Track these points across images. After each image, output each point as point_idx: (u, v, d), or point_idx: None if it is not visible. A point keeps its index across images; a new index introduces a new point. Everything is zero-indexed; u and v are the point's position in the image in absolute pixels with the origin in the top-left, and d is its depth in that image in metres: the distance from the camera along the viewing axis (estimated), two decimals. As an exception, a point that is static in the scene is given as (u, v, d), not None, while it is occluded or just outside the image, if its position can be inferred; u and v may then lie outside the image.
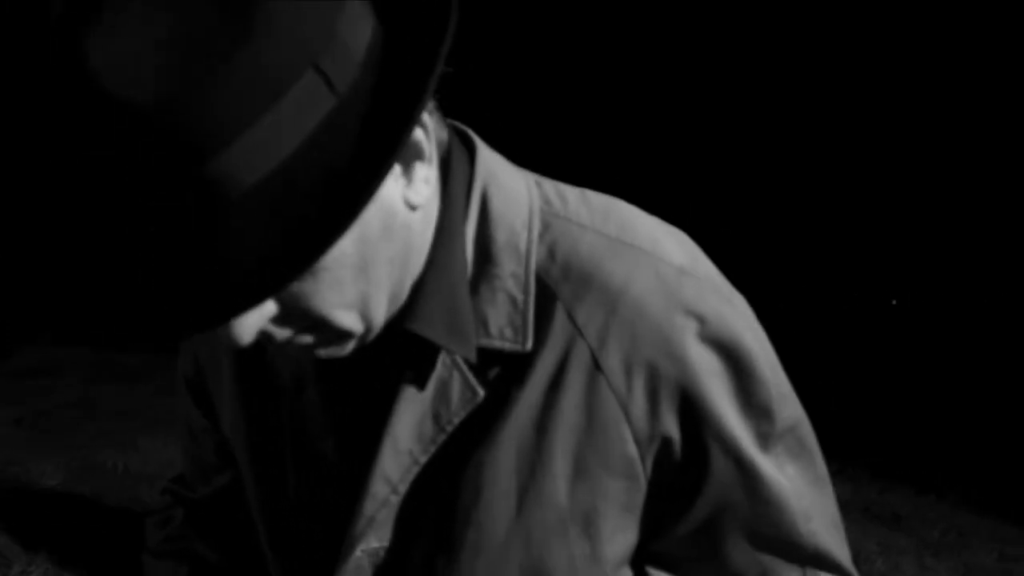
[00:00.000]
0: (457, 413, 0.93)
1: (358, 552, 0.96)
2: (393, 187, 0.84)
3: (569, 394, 0.92)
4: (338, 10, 0.76)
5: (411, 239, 0.88)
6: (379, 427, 0.94)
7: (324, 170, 0.74)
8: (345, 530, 0.98)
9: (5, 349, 5.26)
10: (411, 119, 0.74)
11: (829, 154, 6.41)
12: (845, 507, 4.17)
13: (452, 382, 0.92)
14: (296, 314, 0.82)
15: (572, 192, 0.99)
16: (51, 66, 0.70)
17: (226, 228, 0.73)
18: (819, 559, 1.01)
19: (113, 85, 0.69)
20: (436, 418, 0.93)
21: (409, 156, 0.85)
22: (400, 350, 0.93)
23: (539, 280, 0.93)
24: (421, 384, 0.93)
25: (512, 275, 0.92)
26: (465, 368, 0.93)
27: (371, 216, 0.81)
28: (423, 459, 0.94)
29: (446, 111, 0.94)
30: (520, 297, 0.92)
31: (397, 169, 0.84)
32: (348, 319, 0.84)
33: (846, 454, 4.61)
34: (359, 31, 0.77)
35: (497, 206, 0.94)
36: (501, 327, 0.92)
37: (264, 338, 0.83)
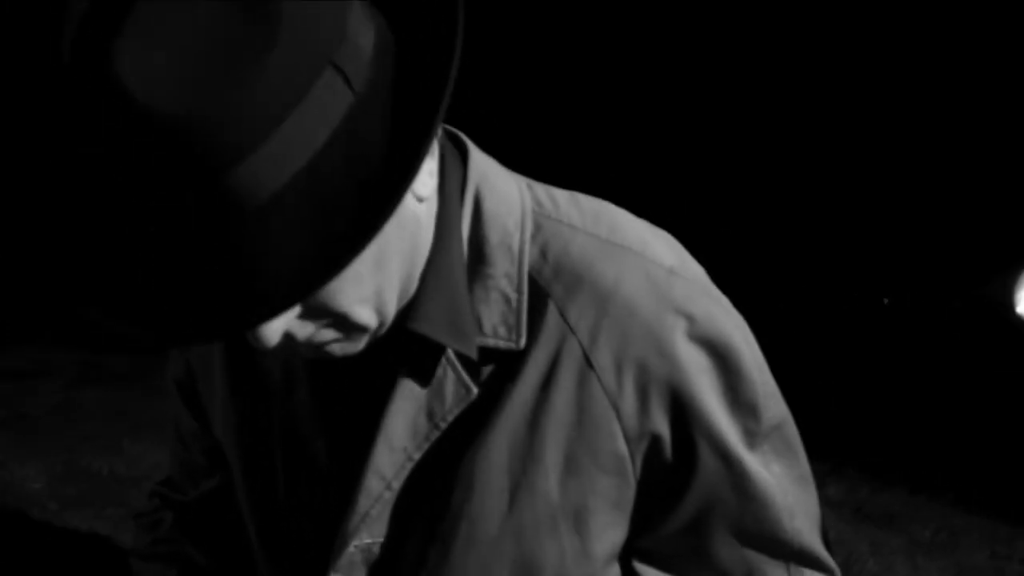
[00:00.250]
0: (451, 410, 0.95)
1: (351, 548, 0.98)
2: None
3: (561, 391, 0.95)
4: (347, 9, 0.78)
5: (418, 232, 0.91)
6: (372, 425, 0.96)
7: (354, 167, 0.76)
8: (336, 529, 1.00)
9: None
10: (438, 112, 0.76)
11: (820, 153, 6.44)
12: (838, 507, 4.19)
13: (446, 380, 0.95)
14: (318, 312, 0.84)
15: (562, 195, 1.02)
16: (78, 75, 0.71)
17: (260, 231, 0.75)
18: (803, 556, 1.04)
19: (142, 95, 0.70)
20: (430, 415, 0.95)
21: None
22: (398, 349, 0.94)
23: (531, 280, 0.96)
24: (416, 382, 0.95)
25: (506, 274, 0.95)
26: (459, 366, 0.95)
27: None
28: (417, 455, 0.96)
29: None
30: (514, 296, 0.95)
31: None
32: (365, 314, 0.86)
33: (838, 454, 4.62)
34: (366, 30, 0.79)
35: (490, 207, 0.96)
36: (495, 325, 0.95)
37: (287, 340, 0.84)
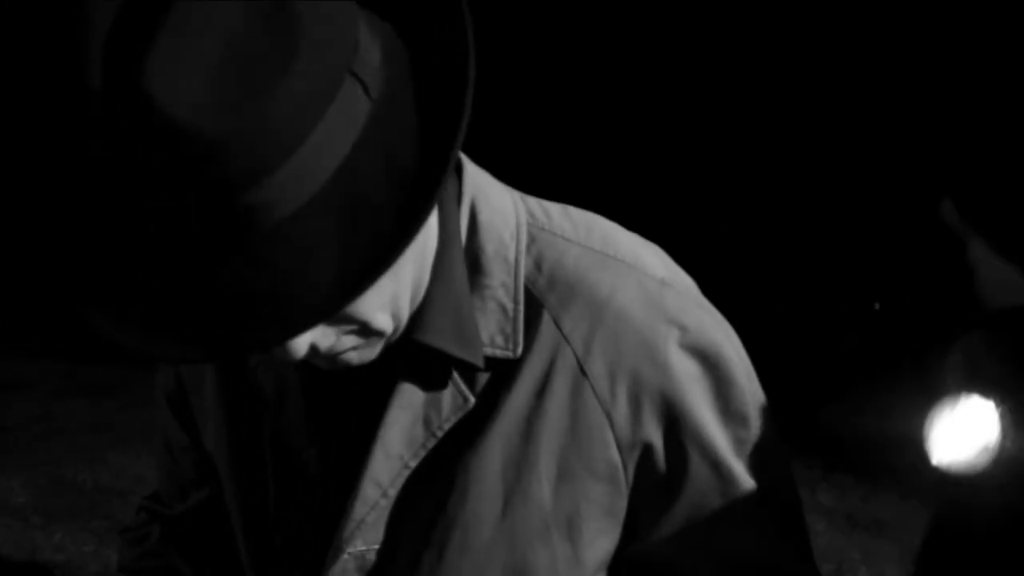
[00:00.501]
0: (448, 419, 0.97)
1: (345, 555, 1.00)
2: None
3: (555, 399, 0.97)
4: (357, 19, 0.80)
5: (427, 239, 0.94)
6: (367, 434, 0.98)
7: (384, 171, 0.78)
8: (328, 538, 1.01)
9: None
10: (463, 116, 0.79)
11: (810, 160, 6.46)
12: (829, 514, 4.21)
13: (443, 389, 0.97)
14: (341, 319, 0.86)
15: (555, 208, 1.04)
16: (109, 92, 0.72)
17: (296, 240, 0.76)
18: (788, 560, 1.06)
19: (174, 110, 0.71)
20: (427, 424, 0.97)
21: None
22: (396, 359, 0.96)
23: (527, 290, 0.98)
24: (413, 391, 0.97)
25: (502, 285, 0.97)
26: (457, 376, 0.97)
27: None
28: (413, 463, 0.98)
29: None
30: (510, 306, 0.97)
31: None
32: (382, 320, 0.88)
33: (828, 461, 4.63)
34: (374, 38, 0.81)
35: (485, 219, 0.99)
36: (492, 335, 0.97)
37: (311, 350, 0.86)
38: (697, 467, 0.99)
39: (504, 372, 0.97)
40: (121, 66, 0.72)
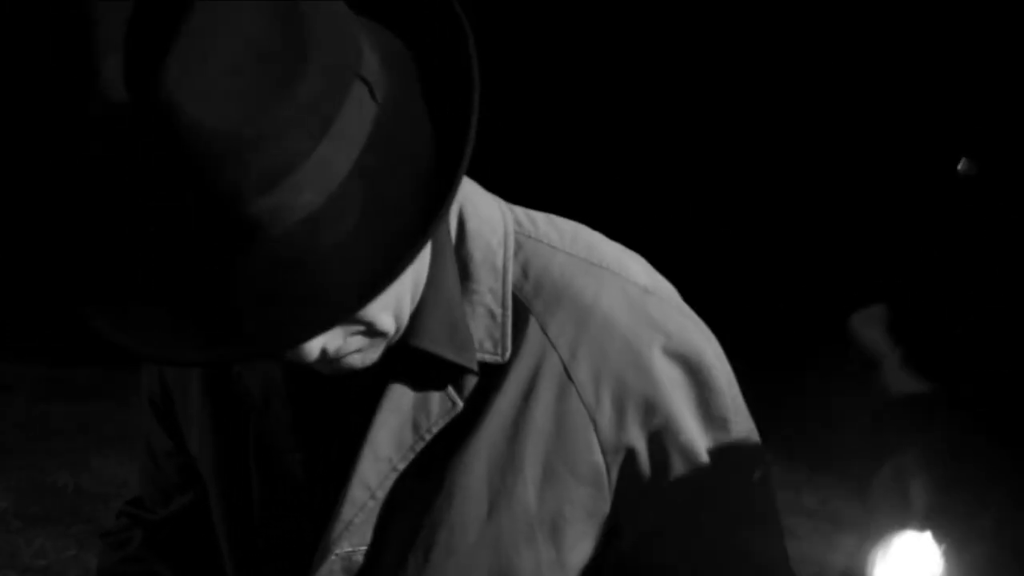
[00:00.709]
0: (436, 423, 0.99)
1: (332, 556, 1.02)
2: None
3: (541, 403, 0.99)
4: (357, 24, 0.83)
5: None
6: (355, 438, 1.00)
7: (398, 168, 0.81)
8: (313, 540, 1.03)
9: None
10: (473, 111, 0.82)
11: (815, 160, 6.47)
12: (812, 516, 4.22)
13: (432, 393, 0.99)
14: (351, 320, 0.87)
15: (540, 216, 1.07)
16: (131, 95, 0.73)
17: (314, 239, 0.79)
18: (767, 561, 1.08)
19: (196, 113, 0.73)
20: (416, 427, 0.99)
21: None
22: (388, 363, 0.97)
23: (514, 296, 1.00)
24: (402, 395, 0.99)
25: (490, 291, 1.00)
26: (446, 380, 0.99)
27: None
28: (401, 466, 1.00)
29: None
30: (498, 311, 0.99)
31: None
32: (386, 320, 0.90)
33: (812, 464, 4.65)
34: (373, 41, 0.84)
35: (473, 226, 1.01)
36: (480, 340, 0.99)
37: (320, 355, 0.88)
38: (679, 471, 1.01)
39: (491, 376, 0.99)
40: (141, 69, 0.73)
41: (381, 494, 1.00)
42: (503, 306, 1.00)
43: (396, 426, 0.99)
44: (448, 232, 1.00)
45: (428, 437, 0.99)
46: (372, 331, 0.90)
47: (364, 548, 1.02)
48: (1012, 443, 1.11)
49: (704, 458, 1.02)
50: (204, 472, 1.14)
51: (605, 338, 0.99)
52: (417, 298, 0.96)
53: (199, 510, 1.19)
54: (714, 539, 1.04)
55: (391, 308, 0.90)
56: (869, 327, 1.30)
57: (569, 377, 0.99)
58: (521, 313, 1.00)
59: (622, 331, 1.00)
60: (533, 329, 1.00)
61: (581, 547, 1.04)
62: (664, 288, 1.06)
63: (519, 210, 1.06)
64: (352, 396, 1.01)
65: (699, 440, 1.02)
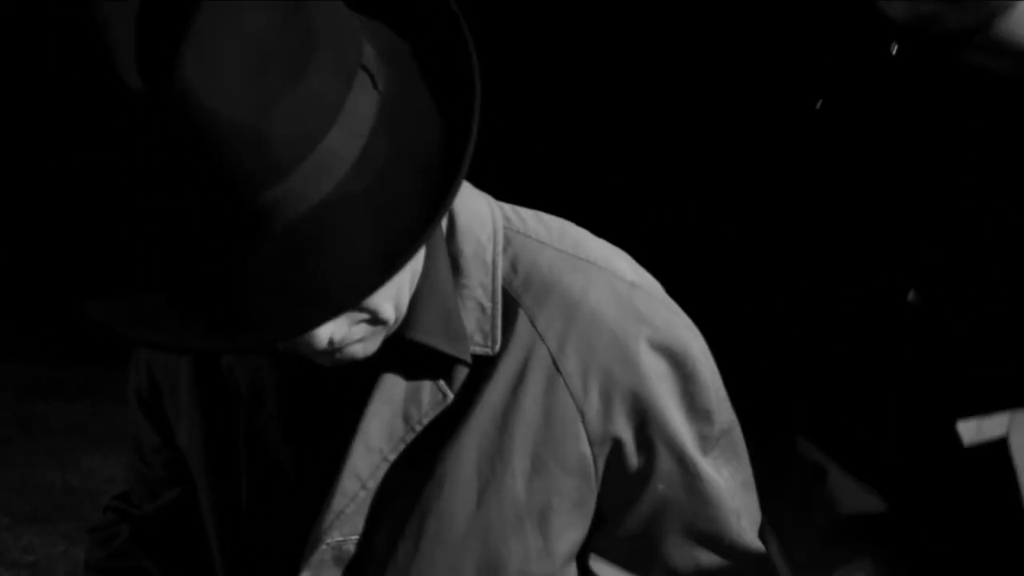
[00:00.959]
0: (427, 414, 1.01)
1: (323, 546, 1.03)
2: None
3: (529, 395, 1.02)
4: (354, 18, 0.86)
5: None
6: (346, 429, 1.02)
7: (403, 156, 0.84)
8: (303, 532, 1.05)
9: None
10: (475, 97, 0.85)
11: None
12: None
13: (423, 385, 1.01)
14: (355, 308, 0.89)
15: (528, 212, 1.09)
16: (148, 88, 0.76)
17: (329, 225, 0.81)
18: (748, 556, 1.11)
19: (214, 104, 0.76)
20: (406, 418, 1.01)
21: None
22: (380, 354, 0.99)
23: (503, 290, 1.03)
24: (394, 387, 1.01)
25: (480, 284, 1.02)
26: (437, 372, 1.02)
27: None
28: (392, 456, 1.02)
29: None
30: (488, 305, 1.02)
31: None
32: (388, 309, 0.93)
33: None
34: (367, 38, 0.86)
35: (463, 221, 1.03)
36: (471, 332, 1.02)
37: (316, 341, 0.89)
38: (663, 461, 1.04)
39: (481, 369, 1.02)
40: (156, 62, 0.75)
41: (372, 484, 1.02)
42: (493, 300, 1.02)
43: (388, 417, 1.01)
44: (440, 228, 1.02)
45: (419, 428, 1.01)
46: (375, 320, 0.92)
47: (355, 538, 1.04)
48: (966, 551, 1.12)
49: (688, 449, 1.05)
50: (193, 465, 1.15)
51: (593, 331, 1.02)
52: (414, 285, 0.98)
53: (186, 505, 1.20)
54: (695, 527, 1.07)
55: (392, 297, 0.93)
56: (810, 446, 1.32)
57: (557, 369, 1.02)
58: (510, 307, 1.02)
59: (609, 325, 1.02)
60: (522, 322, 1.02)
61: (568, 536, 1.06)
62: (650, 283, 1.08)
63: (507, 207, 1.09)
64: (342, 388, 1.03)
65: (683, 432, 1.04)
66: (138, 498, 1.28)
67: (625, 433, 1.03)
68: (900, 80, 1.15)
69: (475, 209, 1.05)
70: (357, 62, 0.83)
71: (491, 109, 0.96)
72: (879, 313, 1.21)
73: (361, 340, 0.94)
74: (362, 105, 0.83)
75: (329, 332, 0.88)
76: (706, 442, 1.06)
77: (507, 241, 1.05)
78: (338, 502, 1.02)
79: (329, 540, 1.03)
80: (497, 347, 1.02)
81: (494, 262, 1.03)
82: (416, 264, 0.97)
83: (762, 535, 1.12)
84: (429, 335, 0.99)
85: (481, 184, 1.09)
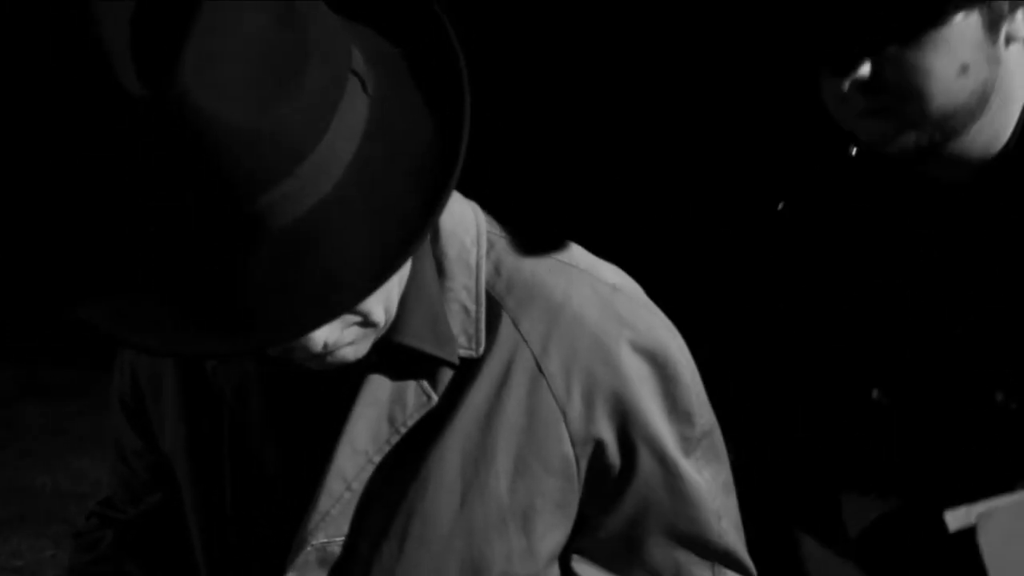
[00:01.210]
0: (411, 416, 1.02)
1: (308, 547, 1.04)
2: None
3: (513, 396, 1.03)
4: (340, 21, 0.87)
5: None
6: (331, 432, 1.03)
7: (396, 159, 0.85)
8: (288, 534, 1.05)
9: None
10: (464, 98, 0.87)
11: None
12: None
13: (408, 387, 1.02)
14: (350, 311, 0.90)
15: (507, 219, 1.10)
16: (148, 92, 0.76)
17: (325, 226, 0.82)
18: (727, 557, 1.13)
19: (214, 107, 0.76)
20: (391, 420, 1.02)
21: None
22: (370, 359, 1.00)
23: (487, 293, 1.04)
24: (379, 389, 1.02)
25: (464, 287, 1.03)
26: (421, 374, 1.03)
27: None
28: (377, 458, 1.03)
29: None
30: (472, 307, 1.03)
31: None
32: (379, 311, 0.94)
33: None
34: (354, 42, 0.88)
35: (448, 225, 1.04)
36: (456, 335, 1.03)
37: (312, 344, 0.90)
38: (645, 462, 1.06)
39: (465, 371, 1.03)
40: (156, 67, 0.76)
41: (357, 486, 1.03)
42: (477, 302, 1.03)
43: (373, 419, 1.02)
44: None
45: (403, 430, 1.02)
46: (366, 322, 0.93)
47: (340, 539, 1.05)
48: None
49: (669, 450, 1.06)
50: (177, 468, 1.15)
51: (575, 333, 1.03)
52: (401, 289, 0.99)
53: (170, 509, 1.20)
54: (676, 528, 1.09)
55: (383, 300, 0.94)
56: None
57: (540, 371, 1.03)
58: (494, 309, 1.04)
59: (591, 327, 1.04)
60: (506, 325, 1.03)
61: (551, 536, 1.07)
62: (631, 286, 1.10)
63: (487, 213, 1.10)
64: (327, 391, 1.04)
65: (665, 433, 1.06)
66: (121, 502, 1.28)
67: (607, 434, 1.04)
68: (859, 181, 1.19)
69: (459, 213, 1.06)
70: (348, 66, 0.84)
71: (481, 111, 0.96)
72: (844, 411, 1.26)
73: (352, 343, 0.95)
74: (354, 108, 0.84)
75: (324, 335, 0.89)
76: (687, 443, 1.08)
77: (490, 245, 1.06)
78: (323, 503, 1.03)
79: (314, 542, 1.04)
80: (481, 349, 1.03)
81: (478, 265, 1.04)
82: (404, 267, 0.97)
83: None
84: (417, 338, 1.00)
85: (473, 185, 1.10)
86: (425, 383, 1.02)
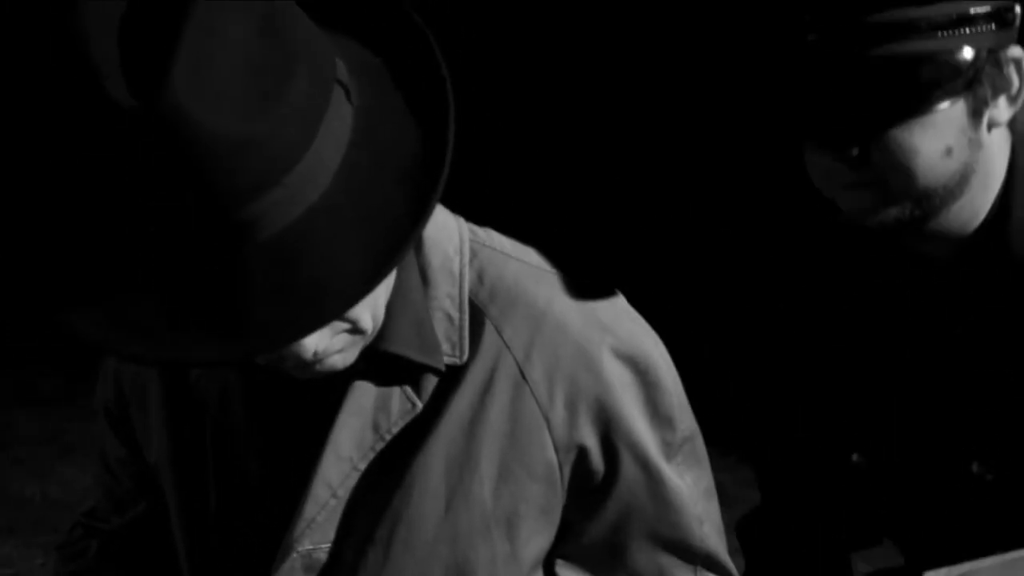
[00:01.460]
0: (396, 423, 1.03)
1: (294, 554, 1.05)
2: None
3: (497, 403, 1.04)
4: (320, 32, 0.88)
5: None
6: (316, 439, 1.04)
7: (384, 166, 0.86)
8: (271, 542, 1.06)
9: None
10: (449, 104, 0.88)
11: None
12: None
13: (392, 395, 1.03)
14: (339, 318, 0.90)
15: (489, 230, 1.12)
16: (138, 103, 0.77)
17: (316, 233, 0.83)
18: (709, 561, 1.14)
19: (204, 117, 0.77)
20: (376, 428, 1.03)
21: None
22: (355, 367, 1.01)
23: (470, 301, 1.05)
24: (364, 396, 1.03)
25: (448, 295, 1.05)
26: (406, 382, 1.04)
27: None
28: (362, 465, 1.04)
29: None
30: (456, 315, 1.04)
31: None
32: (367, 319, 0.95)
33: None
34: (336, 52, 0.89)
35: (431, 233, 1.06)
36: (440, 342, 1.03)
37: (303, 351, 0.91)
38: (628, 467, 1.07)
39: (449, 378, 1.04)
40: (146, 78, 0.77)
41: (343, 493, 1.04)
42: (460, 310, 1.04)
43: (357, 427, 1.03)
44: None
45: (388, 437, 1.03)
46: (355, 330, 0.95)
47: (326, 546, 1.05)
48: None
49: (652, 455, 1.07)
50: (163, 479, 1.15)
51: (558, 340, 1.05)
52: (387, 297, 1.00)
53: (154, 518, 1.20)
54: (658, 532, 1.10)
55: (371, 307, 0.95)
56: None
57: (524, 378, 1.04)
58: (477, 317, 1.05)
59: (574, 334, 1.05)
60: (489, 332, 1.05)
61: (535, 541, 1.09)
62: (613, 294, 1.11)
63: (469, 223, 1.11)
64: (311, 398, 1.05)
65: (647, 438, 1.07)
66: (105, 512, 1.27)
67: (590, 440, 1.05)
68: (842, 247, 1.23)
69: (441, 222, 1.07)
70: (333, 76, 0.85)
71: (466, 118, 0.96)
72: (824, 471, 1.29)
73: (341, 351, 0.96)
74: (340, 118, 0.85)
75: (315, 342, 0.90)
76: (669, 448, 1.09)
77: (473, 253, 1.07)
78: (309, 510, 1.04)
79: (300, 548, 1.05)
80: (465, 357, 1.04)
81: (461, 273, 1.05)
82: (390, 276, 0.98)
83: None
84: (403, 346, 1.01)
85: (461, 192, 1.11)
86: (409, 390, 1.03)
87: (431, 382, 1.04)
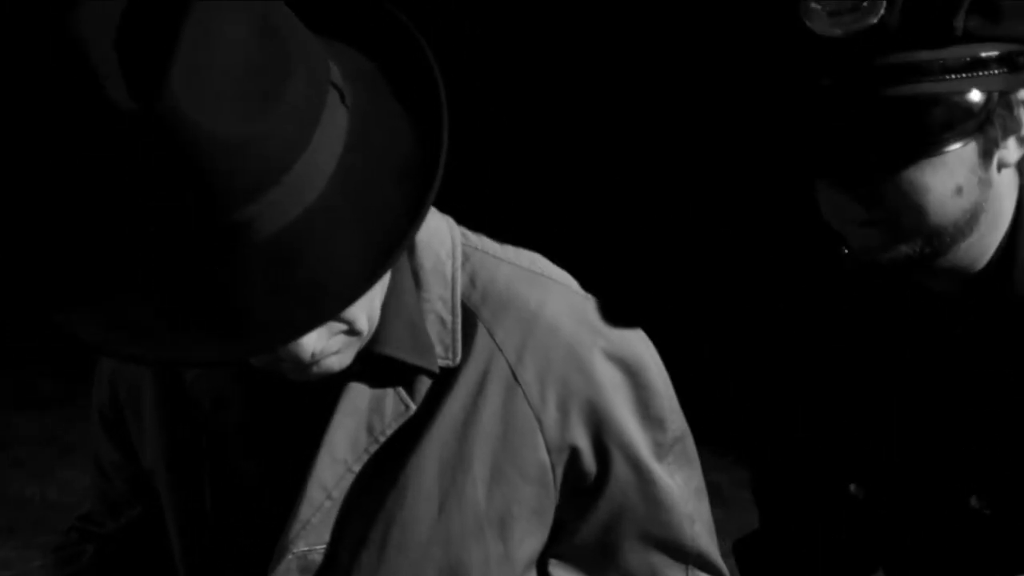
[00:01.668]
0: (390, 425, 1.04)
1: (289, 556, 1.06)
2: None
3: (489, 405, 1.05)
4: (313, 37, 0.88)
5: None
6: (310, 441, 1.04)
7: (380, 165, 0.87)
8: (267, 544, 1.06)
9: None
10: (442, 105, 0.89)
11: None
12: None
13: (386, 397, 1.04)
14: (335, 319, 0.92)
15: (481, 235, 1.13)
16: (137, 105, 0.77)
17: (314, 233, 0.84)
18: (700, 560, 1.16)
19: (202, 119, 0.78)
20: (370, 430, 1.04)
21: None
22: (349, 369, 1.01)
23: (462, 304, 1.06)
24: (358, 398, 1.04)
25: (440, 298, 1.06)
26: (399, 384, 1.05)
27: None
28: (356, 467, 1.05)
29: None
30: (448, 318, 1.05)
31: None
32: (363, 320, 0.96)
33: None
34: (332, 54, 0.90)
35: (423, 237, 1.07)
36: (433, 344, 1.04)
37: (302, 351, 0.92)
38: (619, 468, 1.08)
39: (442, 380, 1.05)
40: (145, 80, 0.77)
41: (337, 494, 1.05)
42: (453, 313, 1.05)
43: (352, 429, 1.04)
44: None
45: (382, 439, 1.04)
46: (351, 331, 0.96)
47: (321, 547, 1.06)
48: None
49: (643, 456, 1.09)
50: (158, 482, 1.16)
51: (550, 343, 1.06)
52: (382, 298, 1.01)
53: (149, 522, 1.21)
54: (650, 532, 1.11)
55: (366, 309, 0.96)
56: None
57: (516, 380, 1.05)
58: (470, 319, 1.06)
59: (565, 336, 1.06)
60: (481, 335, 1.06)
61: (528, 543, 1.10)
62: (601, 297, 1.12)
63: (461, 228, 1.12)
64: (305, 400, 1.05)
65: (638, 439, 1.08)
66: (100, 516, 1.28)
67: (582, 441, 1.07)
68: (850, 281, 1.25)
69: (433, 226, 1.08)
70: (327, 78, 0.86)
71: (460, 120, 0.97)
72: (828, 505, 1.31)
73: (338, 352, 0.97)
74: (335, 120, 0.86)
75: (312, 343, 0.91)
76: (660, 449, 1.10)
77: (465, 257, 1.08)
78: (304, 512, 1.04)
79: (295, 550, 1.05)
80: (457, 359, 1.05)
81: (454, 276, 1.06)
82: (384, 278, 0.99)
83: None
84: (397, 348, 1.02)
85: (455, 193, 1.11)
86: (403, 392, 1.04)
87: (424, 384, 1.05)
